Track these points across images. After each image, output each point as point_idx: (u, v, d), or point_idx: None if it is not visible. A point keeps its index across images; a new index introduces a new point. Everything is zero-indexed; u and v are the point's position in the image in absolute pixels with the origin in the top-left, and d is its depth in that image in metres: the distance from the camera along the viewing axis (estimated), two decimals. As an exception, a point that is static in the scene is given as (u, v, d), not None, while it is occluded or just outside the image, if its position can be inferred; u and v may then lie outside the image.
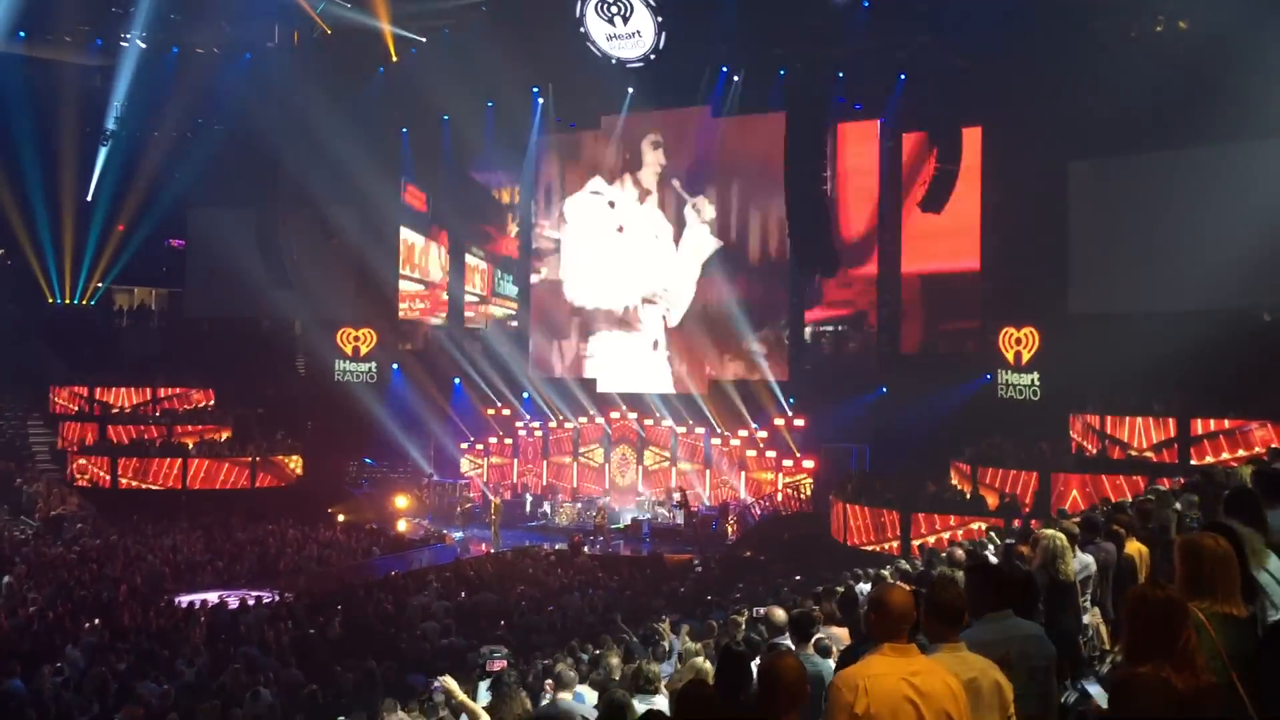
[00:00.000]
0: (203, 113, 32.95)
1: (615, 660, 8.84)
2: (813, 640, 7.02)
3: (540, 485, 31.57)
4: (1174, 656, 3.36)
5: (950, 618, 4.12)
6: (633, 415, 30.88)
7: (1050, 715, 4.63)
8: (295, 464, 31.41)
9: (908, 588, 4.35)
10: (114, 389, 32.58)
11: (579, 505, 29.69)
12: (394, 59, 30.68)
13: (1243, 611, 3.86)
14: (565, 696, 7.31)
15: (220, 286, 33.23)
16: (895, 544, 21.85)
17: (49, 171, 31.80)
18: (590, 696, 7.96)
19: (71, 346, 32.67)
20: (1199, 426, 21.17)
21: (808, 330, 30.23)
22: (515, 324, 34.25)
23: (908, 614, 3.87)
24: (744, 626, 9.55)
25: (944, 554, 9.83)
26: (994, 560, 9.50)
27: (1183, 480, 11.08)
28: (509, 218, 34.90)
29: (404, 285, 33.77)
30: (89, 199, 32.88)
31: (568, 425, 31.82)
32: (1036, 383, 24.89)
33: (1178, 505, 8.52)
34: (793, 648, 6.73)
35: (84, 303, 34.30)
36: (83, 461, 29.96)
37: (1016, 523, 15.52)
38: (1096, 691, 4.53)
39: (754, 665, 4.50)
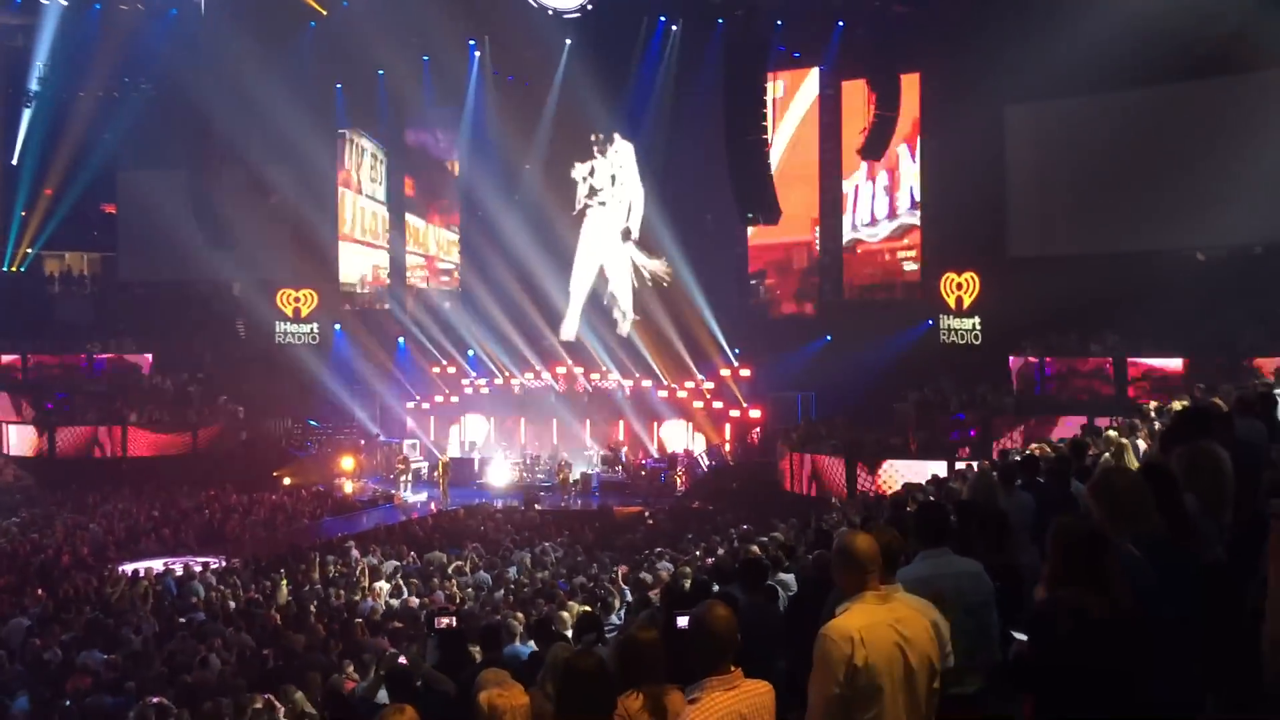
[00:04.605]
0: (129, 72, 31.84)
1: (566, 615, 8.90)
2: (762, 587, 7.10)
3: (488, 441, 31.43)
4: (1093, 583, 3.49)
5: (887, 561, 4.17)
6: (579, 370, 30.79)
7: (990, 650, 4.71)
8: (238, 428, 31.01)
9: (869, 534, 4.37)
10: (48, 356, 31.86)
11: (528, 460, 29.65)
12: (323, 13, 29.90)
13: (1155, 527, 3.96)
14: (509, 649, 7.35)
15: (154, 249, 32.41)
16: (841, 489, 22.11)
17: (-30, 136, 30.89)
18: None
19: (2, 315, 31.83)
20: (1136, 367, 21.61)
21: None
22: (459, 280, 33.77)
23: (875, 558, 3.91)
24: (691, 574, 9.64)
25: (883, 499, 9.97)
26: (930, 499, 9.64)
27: (1120, 420, 11.30)
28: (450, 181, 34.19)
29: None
30: (14, 163, 31.88)
31: (514, 381, 31.63)
32: (978, 327, 25.16)
33: (1121, 441, 8.70)
34: (742, 596, 6.79)
35: (14, 270, 33.38)
36: (18, 431, 29.36)
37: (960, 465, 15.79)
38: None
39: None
